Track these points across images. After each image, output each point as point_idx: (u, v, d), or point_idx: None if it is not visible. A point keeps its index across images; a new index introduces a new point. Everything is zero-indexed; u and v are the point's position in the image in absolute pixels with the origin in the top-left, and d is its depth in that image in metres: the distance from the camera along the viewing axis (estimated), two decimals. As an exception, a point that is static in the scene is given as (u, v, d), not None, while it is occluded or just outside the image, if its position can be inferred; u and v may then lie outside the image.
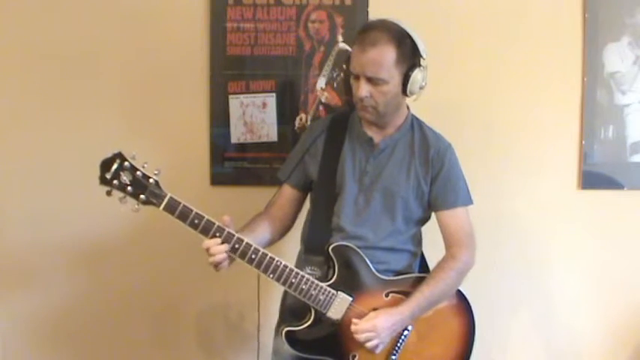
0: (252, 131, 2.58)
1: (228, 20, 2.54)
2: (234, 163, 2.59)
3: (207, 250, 1.85)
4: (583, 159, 2.57)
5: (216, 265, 1.87)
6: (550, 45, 2.54)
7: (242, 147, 2.58)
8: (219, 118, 2.57)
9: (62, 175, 2.57)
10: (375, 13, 2.46)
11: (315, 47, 2.55)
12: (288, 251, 2.15)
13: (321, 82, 2.55)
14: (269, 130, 2.57)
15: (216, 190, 2.60)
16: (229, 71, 2.56)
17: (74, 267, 2.61)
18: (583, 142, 2.57)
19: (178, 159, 2.59)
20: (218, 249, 1.84)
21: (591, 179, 2.58)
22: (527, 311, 2.66)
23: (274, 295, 2.14)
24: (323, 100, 2.56)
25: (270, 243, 2.06)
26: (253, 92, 2.56)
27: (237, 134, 2.58)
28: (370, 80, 1.89)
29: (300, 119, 2.56)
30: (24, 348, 2.66)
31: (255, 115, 2.57)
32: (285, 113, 2.57)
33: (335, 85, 2.46)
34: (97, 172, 1.83)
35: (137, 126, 2.58)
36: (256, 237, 1.96)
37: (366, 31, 1.91)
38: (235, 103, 2.57)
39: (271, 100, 2.57)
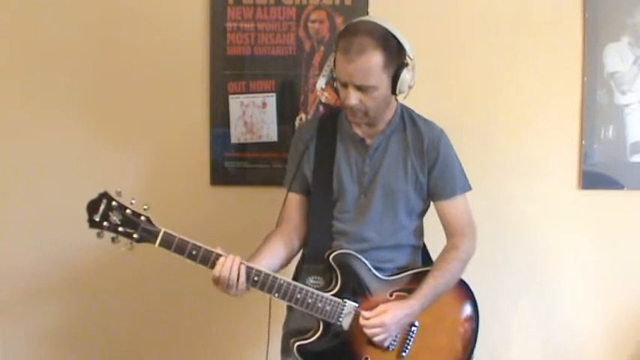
0: (252, 131, 2.58)
1: (228, 20, 2.54)
2: (234, 163, 2.59)
3: (218, 280, 1.82)
4: (583, 159, 2.57)
5: (238, 288, 1.84)
6: (550, 45, 2.54)
7: (242, 147, 2.58)
8: (219, 118, 2.57)
9: (63, 179, 2.57)
10: (375, 13, 2.46)
11: (315, 47, 2.55)
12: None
13: (321, 82, 2.51)
14: (269, 130, 2.57)
15: (216, 190, 2.60)
16: (229, 71, 2.55)
17: (76, 276, 2.61)
18: (583, 142, 2.57)
19: (178, 159, 2.59)
20: (230, 274, 1.81)
21: (591, 179, 2.58)
22: (528, 310, 2.66)
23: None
24: (323, 100, 2.55)
25: (289, 257, 2.04)
26: (253, 92, 2.56)
27: (237, 134, 2.58)
28: (359, 88, 1.86)
29: (300, 119, 2.56)
30: (25, 356, 2.66)
31: (255, 115, 2.57)
32: (285, 113, 2.57)
33: (335, 85, 2.46)
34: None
35: (137, 126, 2.59)
36: (263, 260, 1.93)
37: (349, 37, 1.85)
38: (235, 103, 2.57)
39: (271, 100, 2.56)
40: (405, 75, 1.89)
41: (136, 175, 2.52)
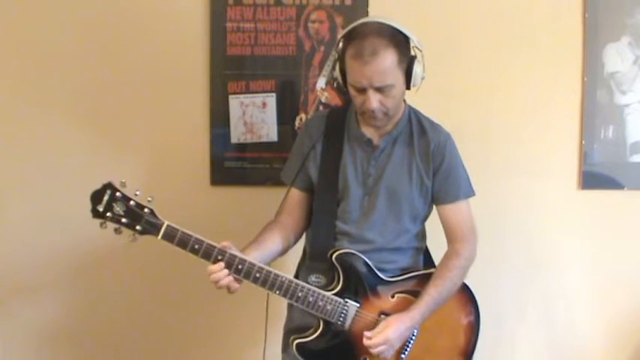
0: (252, 131, 2.58)
1: (228, 20, 2.54)
2: (234, 163, 2.59)
3: (209, 276, 1.83)
4: (583, 159, 2.57)
5: (221, 288, 1.86)
6: (550, 45, 2.54)
7: (242, 147, 2.58)
8: (219, 118, 2.57)
9: (63, 178, 2.57)
10: (375, 13, 2.46)
11: (315, 47, 2.55)
12: (293, 256, 2.15)
13: (321, 82, 2.55)
14: (269, 130, 2.57)
15: (216, 190, 2.60)
16: (229, 71, 2.55)
17: (75, 273, 2.61)
18: (583, 142, 2.57)
19: (178, 159, 2.59)
20: (219, 275, 1.83)
21: (591, 179, 2.58)
22: (528, 310, 2.65)
23: (283, 315, 2.14)
24: (323, 100, 2.56)
25: (284, 251, 2.04)
26: (253, 92, 2.56)
27: (237, 134, 2.58)
28: (378, 89, 1.85)
29: (300, 119, 2.56)
30: (24, 353, 2.66)
31: (255, 115, 2.57)
32: (285, 113, 2.57)
33: (335, 85, 2.46)
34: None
35: (138, 126, 2.58)
36: (264, 251, 1.94)
37: (358, 41, 1.84)
38: (235, 103, 2.57)
39: (271, 100, 2.56)
40: (417, 68, 1.91)
41: (136, 175, 2.52)
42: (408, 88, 1.93)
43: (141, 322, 2.64)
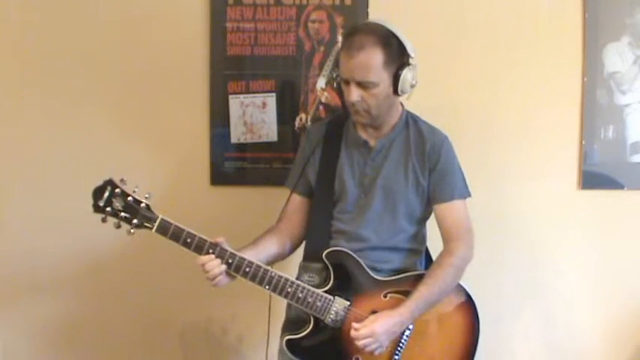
0: (252, 131, 2.58)
1: (228, 20, 2.54)
2: (234, 163, 2.59)
3: (202, 266, 1.87)
4: (583, 159, 2.57)
5: (214, 280, 1.89)
6: (550, 45, 2.54)
7: (242, 147, 2.58)
8: (219, 118, 2.57)
9: (62, 179, 2.57)
10: (375, 13, 2.46)
11: (315, 47, 2.55)
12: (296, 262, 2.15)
13: (321, 82, 2.55)
14: (269, 130, 2.58)
15: (216, 190, 2.60)
16: (229, 71, 2.56)
17: (76, 273, 2.61)
18: (583, 142, 2.57)
19: (178, 159, 2.60)
20: (212, 264, 1.87)
21: (591, 179, 2.58)
22: (528, 311, 2.65)
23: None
24: (323, 100, 2.56)
25: (281, 256, 2.06)
26: (253, 92, 2.56)
27: (237, 134, 2.58)
28: (360, 84, 1.89)
29: (300, 119, 2.56)
30: (25, 353, 2.66)
31: (255, 115, 2.57)
32: (285, 113, 2.57)
33: (335, 85, 2.47)
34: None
35: (138, 126, 2.59)
36: (259, 252, 1.97)
37: (351, 35, 1.90)
38: (235, 103, 2.57)
39: (271, 100, 2.57)
40: (407, 74, 1.91)
41: (136, 175, 2.49)
42: (396, 92, 1.93)
43: (143, 322, 2.64)
